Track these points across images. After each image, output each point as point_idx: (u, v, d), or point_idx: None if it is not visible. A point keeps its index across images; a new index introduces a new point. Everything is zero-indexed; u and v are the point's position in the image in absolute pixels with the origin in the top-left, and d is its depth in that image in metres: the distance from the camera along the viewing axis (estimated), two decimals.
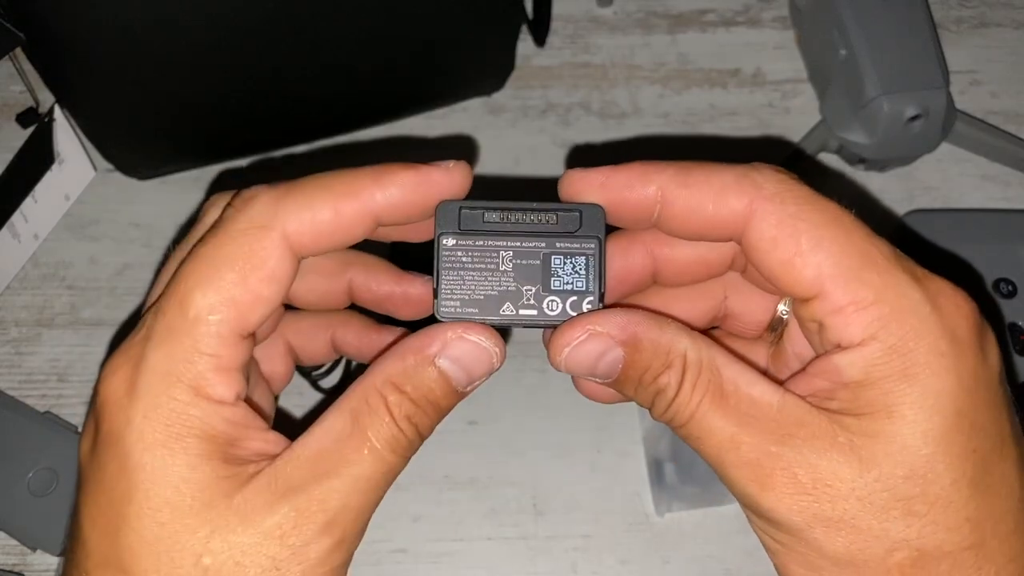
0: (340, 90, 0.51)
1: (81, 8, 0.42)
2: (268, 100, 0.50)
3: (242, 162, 0.55)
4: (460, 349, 0.26)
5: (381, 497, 0.26)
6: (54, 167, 0.51)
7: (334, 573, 0.26)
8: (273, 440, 0.26)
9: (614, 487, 0.47)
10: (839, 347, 0.25)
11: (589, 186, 0.27)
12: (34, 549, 0.44)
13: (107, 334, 0.51)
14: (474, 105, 0.56)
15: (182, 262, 0.26)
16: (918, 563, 0.24)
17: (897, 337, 0.24)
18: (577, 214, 0.27)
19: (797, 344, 0.28)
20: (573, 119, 0.56)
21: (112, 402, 0.25)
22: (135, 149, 0.52)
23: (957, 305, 0.25)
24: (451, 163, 0.27)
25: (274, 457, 0.25)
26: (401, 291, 0.31)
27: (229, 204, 0.26)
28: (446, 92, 0.55)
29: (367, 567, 0.45)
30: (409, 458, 0.26)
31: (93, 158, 0.53)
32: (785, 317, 0.29)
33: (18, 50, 0.45)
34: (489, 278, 0.27)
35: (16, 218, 0.51)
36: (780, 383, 0.26)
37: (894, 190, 0.55)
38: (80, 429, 0.47)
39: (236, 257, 0.25)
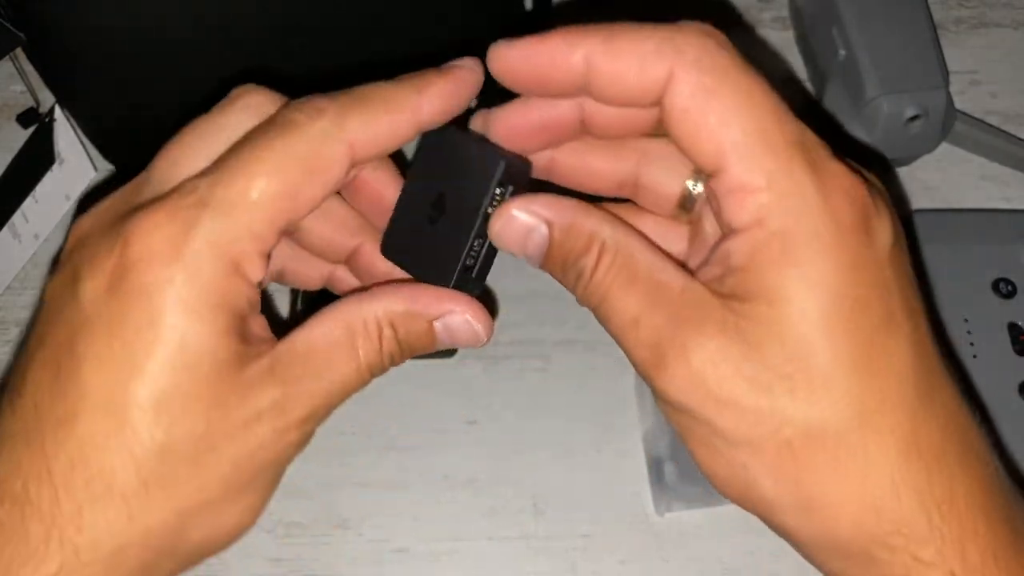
0: (339, 88, 0.51)
1: (81, 8, 0.42)
2: None
3: None
4: (457, 322, 0.29)
5: (332, 409, 0.28)
6: (55, 167, 0.51)
7: (282, 464, 0.28)
8: (265, 327, 0.28)
9: (614, 487, 0.47)
10: (731, 230, 0.26)
11: (514, 63, 0.27)
12: None
13: None
14: (473, 105, 0.56)
15: (243, 146, 0.27)
16: (805, 440, 0.25)
17: (779, 222, 0.25)
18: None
19: (714, 226, 0.29)
20: None
21: (152, 257, 0.25)
22: (136, 149, 0.52)
23: (845, 189, 0.25)
24: (468, 61, 0.29)
25: (271, 344, 0.27)
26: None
27: (295, 108, 0.28)
28: None
29: (367, 567, 0.45)
30: (364, 383, 0.29)
31: (93, 158, 0.53)
32: (695, 192, 0.29)
33: (18, 50, 0.46)
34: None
35: (17, 218, 0.51)
36: (690, 270, 0.27)
37: (894, 190, 0.55)
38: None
39: (307, 158, 0.27)
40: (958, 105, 0.55)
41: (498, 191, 0.29)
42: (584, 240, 0.27)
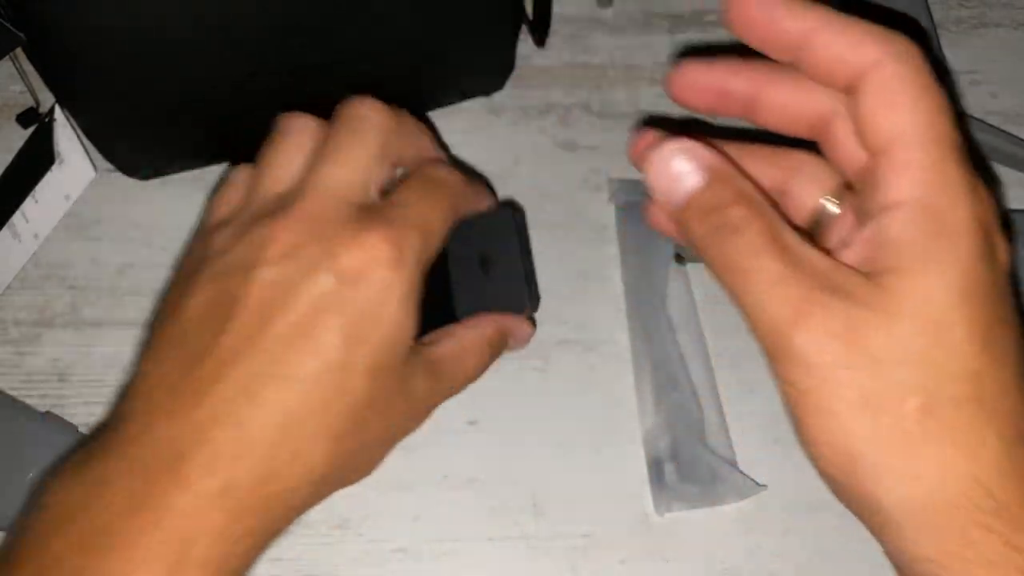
0: (340, 90, 0.51)
1: (81, 8, 0.42)
2: (269, 100, 0.50)
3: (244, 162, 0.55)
4: (518, 336, 0.44)
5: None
6: (54, 167, 0.51)
7: (396, 441, 0.38)
8: None
9: (614, 487, 0.47)
10: (892, 204, 0.28)
11: (752, 10, 0.30)
12: None
13: (108, 334, 0.51)
14: (474, 105, 0.56)
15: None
16: (929, 410, 0.27)
17: (936, 201, 0.28)
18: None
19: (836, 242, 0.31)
20: (573, 119, 0.56)
21: (383, 265, 0.35)
22: (136, 149, 0.52)
23: (987, 199, 0.28)
24: None
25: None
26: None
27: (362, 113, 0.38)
28: (446, 92, 0.55)
29: (366, 567, 0.45)
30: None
31: (94, 158, 0.53)
32: (828, 210, 0.32)
33: (18, 50, 0.46)
34: None
35: (16, 218, 0.51)
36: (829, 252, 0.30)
37: None
38: (80, 429, 0.48)
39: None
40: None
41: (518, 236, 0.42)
42: (737, 194, 0.29)
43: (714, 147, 0.32)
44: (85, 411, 0.49)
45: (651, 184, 0.31)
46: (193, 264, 0.36)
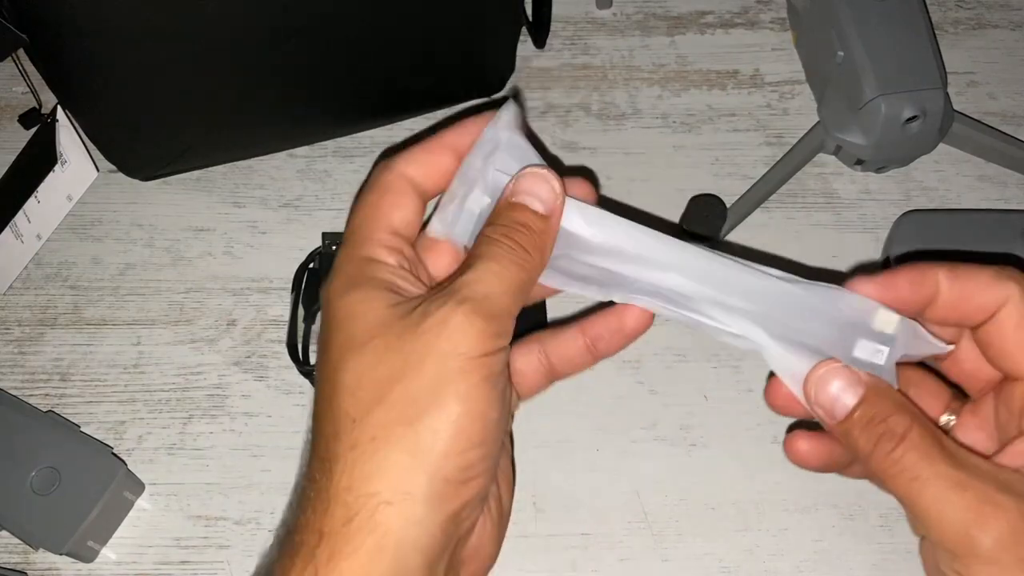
0: (341, 91, 0.51)
1: (82, 9, 0.43)
2: (269, 102, 0.50)
3: (245, 162, 0.55)
4: (523, 186, 0.33)
5: (513, 290, 0.32)
6: (57, 168, 0.51)
7: (474, 339, 0.30)
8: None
9: (614, 486, 0.47)
10: None
11: (878, 289, 0.32)
12: (36, 548, 0.45)
13: (110, 334, 0.51)
14: (475, 106, 0.56)
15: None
16: None
17: None
18: None
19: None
20: (572, 120, 0.57)
21: (329, 290, 0.33)
22: (137, 150, 0.52)
23: None
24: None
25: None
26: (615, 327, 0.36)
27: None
28: (447, 93, 0.55)
29: None
30: (534, 274, 0.32)
31: (95, 159, 0.53)
32: (949, 423, 0.34)
33: (20, 51, 0.46)
34: None
35: (19, 218, 0.51)
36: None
37: (892, 191, 0.55)
38: (81, 429, 0.48)
39: (382, 185, 0.34)
40: (956, 106, 0.55)
41: None
42: (895, 404, 0.31)
43: None
44: (86, 410, 0.49)
45: (813, 405, 0.32)
46: None
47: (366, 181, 0.35)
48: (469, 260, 0.32)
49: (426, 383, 0.29)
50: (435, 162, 0.34)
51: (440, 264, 0.34)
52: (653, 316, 0.34)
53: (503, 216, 0.33)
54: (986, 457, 0.31)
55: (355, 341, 0.31)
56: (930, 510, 0.30)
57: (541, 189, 0.33)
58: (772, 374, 0.33)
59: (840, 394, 0.31)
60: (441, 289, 0.31)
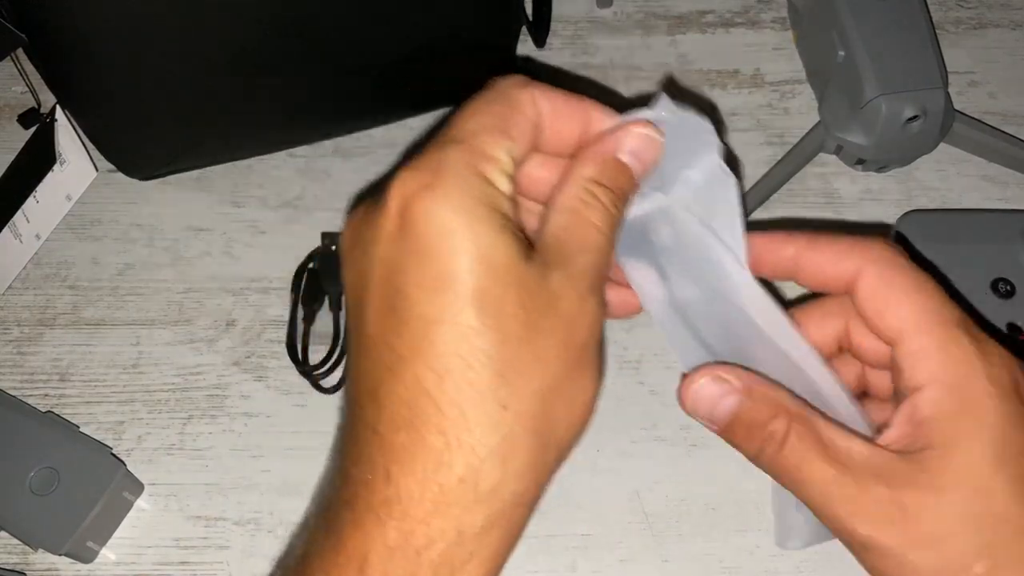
0: (341, 90, 0.51)
1: (81, 8, 0.42)
2: (269, 101, 0.50)
3: (244, 162, 0.55)
4: (635, 144, 0.32)
5: (610, 267, 0.31)
6: (56, 167, 0.51)
7: (596, 336, 0.30)
8: (526, 240, 0.31)
9: (614, 486, 0.47)
10: (912, 389, 0.31)
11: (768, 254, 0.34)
12: (35, 548, 0.44)
13: (109, 334, 0.51)
14: None
15: (470, 103, 0.33)
16: (994, 571, 0.29)
17: (954, 379, 0.30)
18: None
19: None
20: None
21: (422, 187, 0.29)
22: (136, 149, 0.52)
23: (1000, 358, 0.31)
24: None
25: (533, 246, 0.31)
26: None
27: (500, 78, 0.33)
28: (447, 93, 0.55)
29: None
30: (615, 236, 0.32)
31: (95, 158, 0.53)
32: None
33: (19, 51, 0.46)
34: None
35: (18, 218, 0.51)
36: (870, 439, 0.32)
37: (893, 191, 0.55)
38: (80, 429, 0.48)
39: (510, 100, 0.32)
40: (957, 105, 0.55)
41: None
42: (772, 406, 0.31)
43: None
44: (86, 411, 0.49)
45: (693, 412, 0.33)
46: None
47: (476, 99, 0.33)
48: (576, 226, 0.31)
49: (565, 385, 0.29)
50: (567, 119, 0.32)
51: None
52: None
53: (610, 178, 0.32)
54: (871, 441, 0.32)
55: (468, 289, 0.28)
56: (816, 506, 0.31)
57: (648, 151, 0.32)
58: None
59: (716, 405, 0.32)
60: (553, 253, 0.30)
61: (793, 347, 0.32)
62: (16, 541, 0.45)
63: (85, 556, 0.45)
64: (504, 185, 0.30)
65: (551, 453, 0.30)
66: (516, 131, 0.31)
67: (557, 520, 0.47)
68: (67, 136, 0.51)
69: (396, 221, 0.29)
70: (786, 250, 0.33)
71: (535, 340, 0.29)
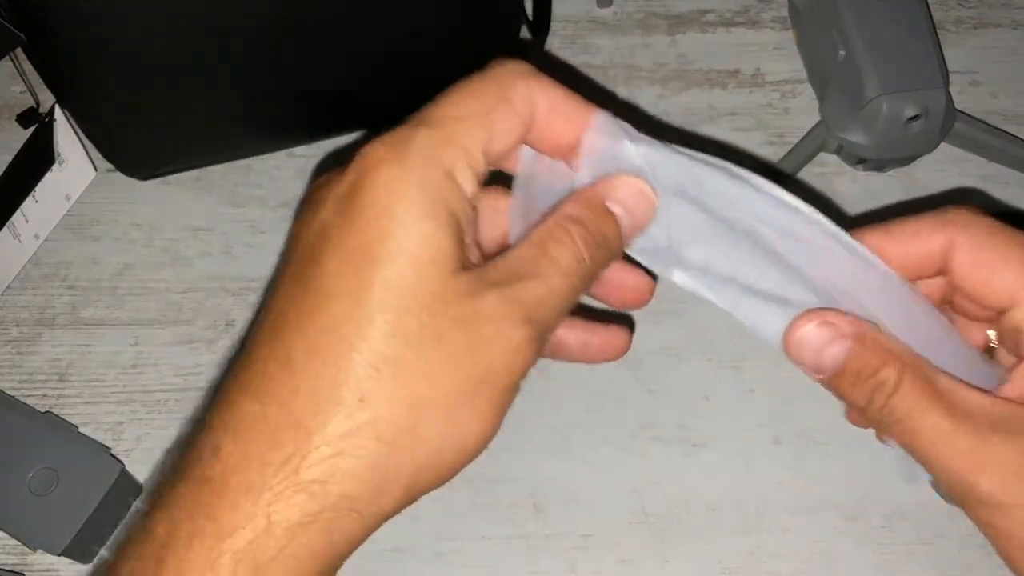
0: (340, 91, 0.51)
1: (81, 8, 0.42)
2: (269, 101, 0.50)
3: (244, 162, 0.55)
4: (625, 194, 0.30)
5: (563, 315, 0.29)
6: (55, 167, 0.51)
7: (511, 375, 0.28)
8: (478, 255, 0.30)
9: (614, 486, 0.47)
10: None
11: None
12: (34, 549, 0.44)
13: (108, 334, 0.51)
14: None
15: (454, 86, 0.30)
16: None
17: None
18: None
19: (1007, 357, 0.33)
20: None
21: (379, 164, 0.28)
22: (136, 149, 0.52)
23: None
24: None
25: (482, 263, 0.29)
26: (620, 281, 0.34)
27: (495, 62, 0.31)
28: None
29: (366, 566, 0.45)
30: (583, 287, 0.29)
31: (94, 158, 0.53)
32: (995, 346, 0.33)
33: (18, 50, 0.46)
34: None
35: (17, 218, 0.51)
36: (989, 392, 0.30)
37: (893, 190, 0.55)
38: (80, 429, 0.48)
39: (499, 88, 0.30)
40: (958, 105, 0.55)
41: None
42: (883, 354, 0.29)
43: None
44: (85, 411, 0.49)
45: (798, 363, 0.31)
46: None
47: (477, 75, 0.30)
48: (538, 257, 0.29)
49: (450, 409, 0.27)
50: (564, 121, 0.30)
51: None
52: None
53: (590, 219, 0.30)
54: (990, 393, 0.30)
55: (379, 274, 0.26)
56: (929, 459, 0.29)
57: (641, 209, 0.30)
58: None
59: (824, 351, 0.30)
60: (500, 274, 0.28)
61: (910, 297, 0.31)
62: (15, 542, 0.45)
63: (84, 556, 0.45)
64: (465, 179, 0.28)
65: (404, 470, 0.27)
66: (498, 124, 0.29)
67: (557, 520, 0.47)
68: (66, 136, 0.51)
69: (345, 189, 0.28)
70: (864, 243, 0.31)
71: (429, 349, 0.26)
